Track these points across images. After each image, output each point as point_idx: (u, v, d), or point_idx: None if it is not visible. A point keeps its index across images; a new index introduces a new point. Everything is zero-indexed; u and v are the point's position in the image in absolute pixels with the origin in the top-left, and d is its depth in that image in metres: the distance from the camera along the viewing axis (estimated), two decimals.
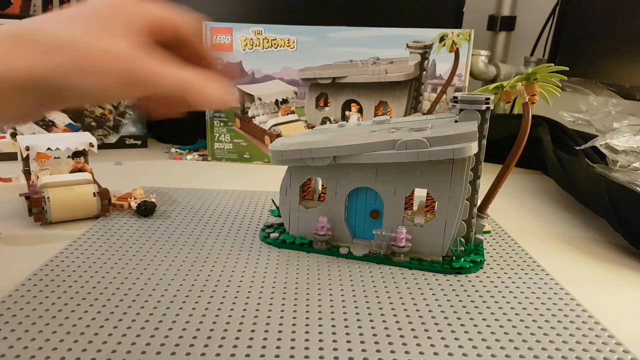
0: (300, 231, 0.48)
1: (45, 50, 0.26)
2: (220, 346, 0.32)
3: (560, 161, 0.67)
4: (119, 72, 0.28)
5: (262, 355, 0.31)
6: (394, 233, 0.44)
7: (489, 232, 0.53)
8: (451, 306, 0.38)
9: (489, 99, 0.42)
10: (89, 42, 0.27)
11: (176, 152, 0.89)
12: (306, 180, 0.48)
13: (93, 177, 0.55)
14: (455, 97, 0.42)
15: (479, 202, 0.47)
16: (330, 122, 0.81)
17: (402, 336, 0.33)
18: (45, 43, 0.26)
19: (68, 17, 0.28)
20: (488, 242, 0.51)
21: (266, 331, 0.33)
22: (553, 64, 0.43)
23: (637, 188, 0.48)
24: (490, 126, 0.44)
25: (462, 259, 0.44)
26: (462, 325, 0.35)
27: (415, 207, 0.50)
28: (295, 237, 0.48)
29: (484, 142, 0.43)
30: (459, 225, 0.44)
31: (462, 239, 0.44)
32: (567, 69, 0.43)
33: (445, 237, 0.44)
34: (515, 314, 0.37)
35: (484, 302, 0.38)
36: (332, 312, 0.36)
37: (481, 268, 0.44)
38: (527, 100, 0.44)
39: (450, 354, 0.32)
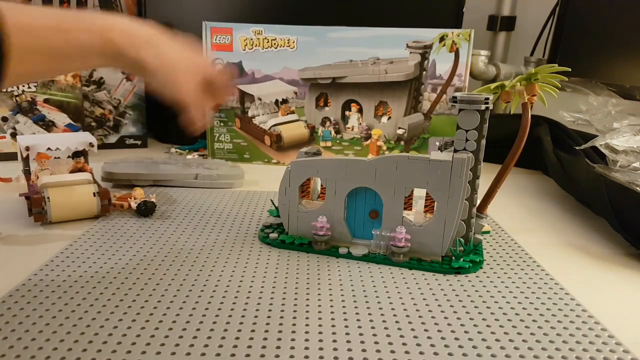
0: (299, 231, 0.48)
1: (156, 54, 0.44)
2: (220, 346, 0.32)
3: (560, 161, 0.67)
4: (170, 75, 0.45)
5: (262, 356, 0.31)
6: (393, 233, 0.44)
7: (488, 232, 0.53)
8: (451, 306, 0.38)
9: (488, 99, 0.42)
10: (178, 58, 0.46)
11: (176, 152, 0.89)
12: (305, 180, 0.48)
13: (93, 177, 0.55)
14: (454, 97, 0.42)
15: (478, 202, 0.47)
16: (330, 122, 0.81)
17: (402, 336, 0.33)
18: (151, 42, 0.44)
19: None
20: (488, 242, 0.51)
21: (266, 331, 0.33)
22: (556, 64, 0.43)
23: (637, 188, 0.48)
24: (490, 126, 0.44)
25: (462, 259, 0.44)
26: (462, 325, 0.35)
27: (414, 207, 0.50)
28: (294, 238, 0.48)
29: (483, 142, 0.43)
30: (458, 225, 0.44)
31: (462, 239, 0.44)
32: (570, 69, 0.43)
33: (444, 237, 0.44)
34: (515, 314, 0.37)
35: (484, 302, 0.38)
36: (332, 312, 0.36)
37: (480, 268, 0.44)
38: (526, 100, 0.44)
39: (450, 354, 0.32)
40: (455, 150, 0.43)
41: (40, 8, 0.38)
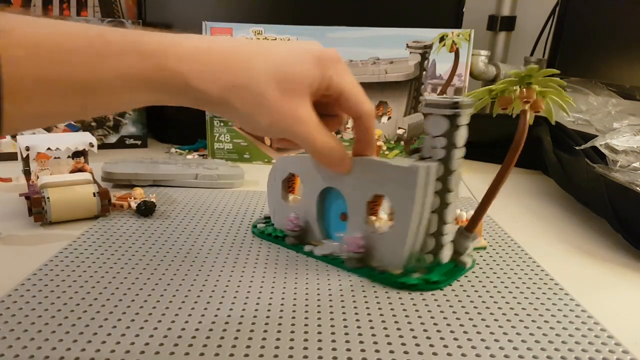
0: (280, 224, 0.49)
1: (235, 85, 0.31)
2: (219, 346, 0.32)
3: (560, 161, 0.67)
4: (285, 127, 0.33)
5: (261, 355, 0.31)
6: (347, 237, 0.42)
7: (484, 248, 0.50)
8: (450, 306, 0.38)
9: (457, 103, 0.37)
10: (274, 96, 0.32)
11: (176, 152, 0.89)
12: (288, 175, 0.48)
13: (93, 177, 0.55)
14: (425, 99, 0.39)
15: (465, 218, 0.45)
16: None
17: (401, 336, 0.33)
18: (241, 79, 0.31)
19: (269, 56, 0.33)
20: (487, 242, 0.51)
21: (265, 331, 0.33)
22: (546, 68, 0.38)
23: (637, 188, 0.48)
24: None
25: (414, 275, 0.40)
26: (461, 325, 0.35)
27: (380, 214, 0.45)
28: (277, 231, 0.49)
29: (457, 151, 0.39)
30: (423, 240, 0.40)
31: (427, 256, 0.40)
32: (559, 72, 0.39)
33: (402, 249, 0.39)
34: (515, 314, 0.37)
35: (483, 302, 0.38)
36: (331, 313, 0.36)
37: (438, 289, 0.40)
38: (524, 108, 0.38)
39: (449, 354, 0.32)
40: (422, 158, 0.39)
41: (61, 22, 0.27)
